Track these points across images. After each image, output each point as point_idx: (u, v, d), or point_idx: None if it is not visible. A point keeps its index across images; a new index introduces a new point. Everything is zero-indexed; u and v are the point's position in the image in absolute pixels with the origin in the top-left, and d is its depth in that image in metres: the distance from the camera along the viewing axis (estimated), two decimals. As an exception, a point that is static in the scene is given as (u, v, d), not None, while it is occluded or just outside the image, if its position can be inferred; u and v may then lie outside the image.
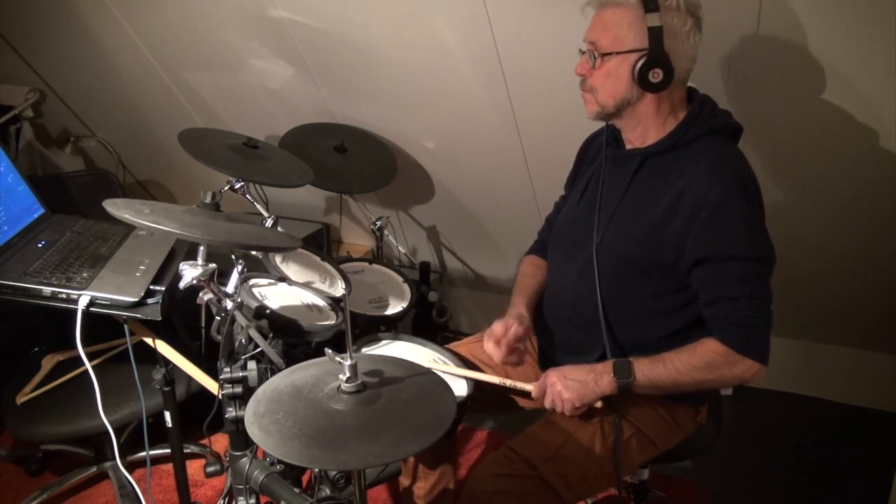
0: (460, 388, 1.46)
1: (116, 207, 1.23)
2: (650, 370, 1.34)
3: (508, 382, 1.45)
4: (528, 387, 1.43)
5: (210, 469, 1.63)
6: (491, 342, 1.49)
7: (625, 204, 1.41)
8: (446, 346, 1.62)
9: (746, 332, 1.30)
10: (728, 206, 1.27)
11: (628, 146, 1.45)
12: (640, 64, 1.30)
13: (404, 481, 1.69)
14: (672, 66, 1.30)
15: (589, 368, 1.37)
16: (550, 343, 1.57)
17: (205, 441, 2.16)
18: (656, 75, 1.30)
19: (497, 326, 1.50)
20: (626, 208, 1.41)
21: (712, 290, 1.32)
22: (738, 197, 1.28)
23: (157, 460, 2.13)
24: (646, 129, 1.40)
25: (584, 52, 1.38)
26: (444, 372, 1.52)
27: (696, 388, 1.43)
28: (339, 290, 1.75)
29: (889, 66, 1.49)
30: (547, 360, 1.59)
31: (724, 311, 1.31)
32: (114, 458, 1.78)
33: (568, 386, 1.35)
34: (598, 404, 1.38)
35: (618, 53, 1.32)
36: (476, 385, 1.47)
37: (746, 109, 1.70)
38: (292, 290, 1.66)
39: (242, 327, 1.40)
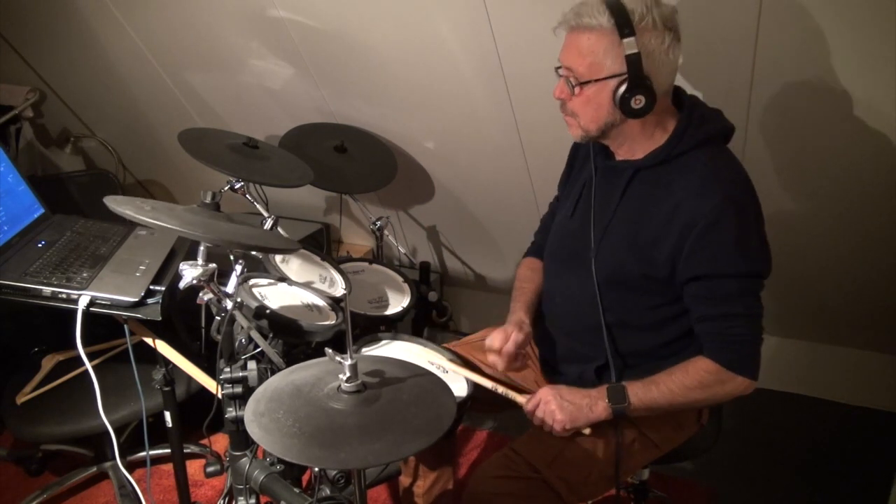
0: (460, 389, 1.46)
1: (117, 203, 1.23)
2: (644, 393, 1.32)
3: (500, 390, 1.44)
4: (520, 398, 1.41)
5: (210, 469, 1.63)
6: (492, 354, 1.47)
7: (617, 219, 1.39)
8: (444, 345, 1.62)
9: (738, 350, 1.30)
10: (719, 224, 1.25)
11: (618, 157, 1.43)
12: (620, 91, 1.26)
13: (404, 481, 1.69)
14: (654, 89, 1.26)
15: (585, 393, 1.36)
16: (551, 352, 1.56)
17: (205, 441, 2.16)
18: (638, 102, 1.26)
19: (496, 337, 1.46)
20: (619, 223, 1.39)
21: (703, 308, 1.31)
22: (729, 213, 1.26)
23: (157, 460, 2.13)
24: (633, 144, 1.38)
25: (560, 74, 1.34)
26: (438, 367, 1.52)
27: (691, 406, 1.42)
28: (339, 290, 1.75)
29: (891, 68, 1.48)
30: (548, 369, 1.59)
31: (715, 329, 1.30)
32: (114, 458, 1.78)
33: (562, 406, 1.34)
34: (587, 431, 1.36)
35: (596, 81, 1.28)
36: (474, 385, 1.47)
37: (748, 112, 1.70)
38: (292, 290, 1.66)
39: (242, 327, 1.40)
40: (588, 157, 1.49)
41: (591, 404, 1.34)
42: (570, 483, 1.36)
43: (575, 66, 1.29)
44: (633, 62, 1.23)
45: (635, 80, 1.25)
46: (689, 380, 1.31)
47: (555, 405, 1.34)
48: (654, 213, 1.33)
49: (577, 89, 1.30)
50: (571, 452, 1.38)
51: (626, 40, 1.22)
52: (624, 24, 1.22)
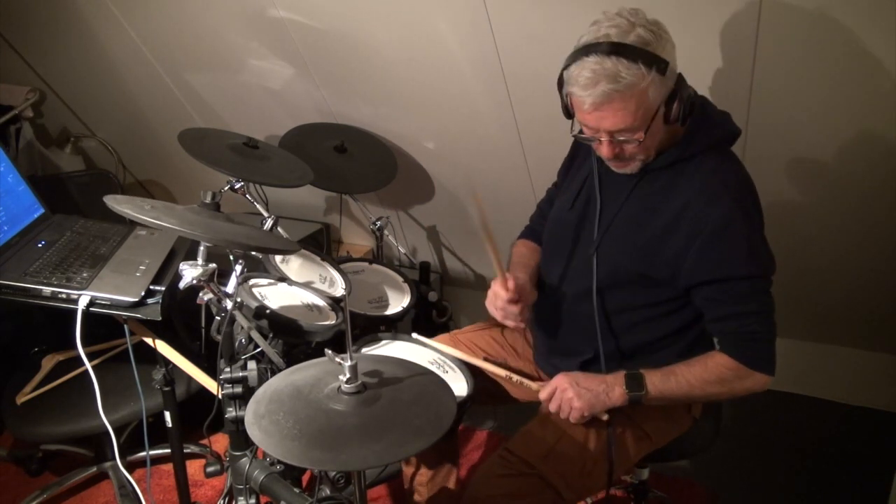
0: (460, 388, 1.46)
1: (117, 202, 1.23)
2: (662, 383, 1.33)
3: (515, 378, 1.45)
4: (534, 385, 1.43)
5: (210, 469, 1.63)
6: (497, 285, 1.44)
7: (622, 216, 1.40)
8: (449, 333, 1.62)
9: (755, 347, 1.32)
10: (729, 229, 1.27)
11: None
12: (674, 110, 1.25)
13: (405, 481, 1.69)
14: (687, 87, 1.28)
15: (601, 379, 1.37)
16: (543, 341, 1.57)
17: (205, 441, 2.16)
18: (691, 107, 1.28)
19: (498, 281, 1.44)
20: (623, 221, 1.39)
21: (718, 309, 1.32)
22: (737, 218, 1.27)
23: (157, 460, 2.13)
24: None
25: (600, 141, 1.30)
26: (451, 357, 1.53)
27: (707, 400, 1.44)
28: (339, 290, 1.75)
29: (890, 70, 1.48)
30: (540, 358, 1.59)
31: (732, 328, 1.32)
32: (114, 458, 1.78)
33: (580, 394, 1.35)
34: (605, 417, 1.37)
35: (652, 120, 1.25)
36: (476, 381, 1.47)
37: (748, 113, 1.70)
38: (292, 290, 1.66)
39: (242, 327, 1.40)
40: (591, 151, 1.48)
41: (608, 390, 1.35)
42: (566, 477, 1.37)
43: (629, 125, 1.25)
44: (680, 83, 1.26)
45: (683, 94, 1.26)
46: (708, 374, 1.32)
47: (572, 393, 1.35)
48: (659, 215, 1.34)
49: (637, 139, 1.27)
50: (563, 446, 1.39)
51: (668, 73, 1.22)
52: (658, 61, 1.20)
